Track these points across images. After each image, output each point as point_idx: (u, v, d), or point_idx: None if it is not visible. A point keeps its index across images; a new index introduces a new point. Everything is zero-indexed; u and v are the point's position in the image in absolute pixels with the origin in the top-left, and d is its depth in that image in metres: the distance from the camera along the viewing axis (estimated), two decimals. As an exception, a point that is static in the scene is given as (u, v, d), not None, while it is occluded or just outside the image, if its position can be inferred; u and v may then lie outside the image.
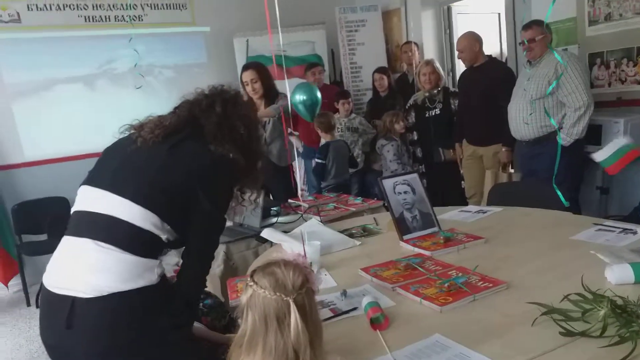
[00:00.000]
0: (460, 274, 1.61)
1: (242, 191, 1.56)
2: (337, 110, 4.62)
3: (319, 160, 3.95)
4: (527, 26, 3.25)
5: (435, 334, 1.28)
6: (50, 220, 4.44)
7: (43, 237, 4.50)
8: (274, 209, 2.94)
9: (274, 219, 2.82)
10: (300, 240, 1.82)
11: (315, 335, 1.02)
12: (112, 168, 1.37)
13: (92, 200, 1.33)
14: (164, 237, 1.30)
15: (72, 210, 1.37)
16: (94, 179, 1.37)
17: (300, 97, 4.05)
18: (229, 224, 2.92)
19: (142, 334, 1.27)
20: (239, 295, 1.51)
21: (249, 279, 1.05)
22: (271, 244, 2.46)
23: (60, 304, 1.24)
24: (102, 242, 1.26)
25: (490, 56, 4.03)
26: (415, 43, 4.86)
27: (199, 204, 1.32)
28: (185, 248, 1.39)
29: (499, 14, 5.60)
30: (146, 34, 4.87)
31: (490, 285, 1.51)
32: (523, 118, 3.24)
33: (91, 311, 1.23)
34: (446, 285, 1.51)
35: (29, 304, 4.16)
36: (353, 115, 4.78)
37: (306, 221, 2.71)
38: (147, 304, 1.27)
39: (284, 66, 5.11)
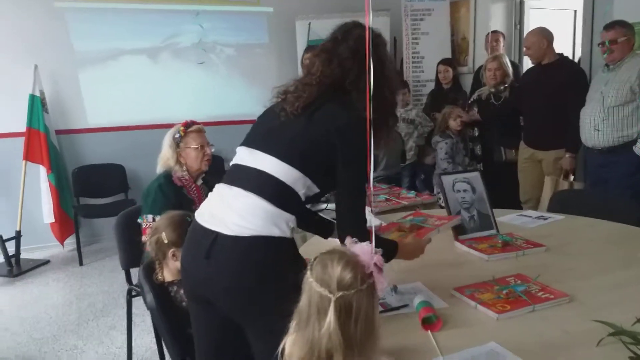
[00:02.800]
0: (519, 282, 1.53)
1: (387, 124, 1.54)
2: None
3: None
4: (609, 26, 3.04)
5: (490, 342, 1.22)
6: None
7: (99, 200, 4.69)
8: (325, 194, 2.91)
9: (323, 205, 2.80)
10: None
11: (362, 340, 0.96)
12: (263, 132, 1.49)
13: (245, 156, 1.47)
14: (301, 192, 1.39)
15: (230, 164, 1.52)
16: (248, 141, 1.51)
17: None
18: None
19: (265, 281, 1.35)
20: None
21: (310, 262, 1.03)
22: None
23: (206, 236, 1.39)
24: (249, 192, 1.39)
25: (561, 55, 3.81)
26: (502, 33, 4.65)
27: (341, 156, 1.37)
28: (337, 190, 1.43)
29: (575, 11, 5.33)
30: (210, 12, 4.93)
31: (552, 297, 1.43)
32: (595, 125, 3.06)
33: (230, 247, 1.35)
34: (504, 292, 1.44)
35: (81, 264, 4.33)
36: (410, 106, 4.67)
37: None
38: (276, 253, 1.37)
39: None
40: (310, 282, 0.99)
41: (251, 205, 1.37)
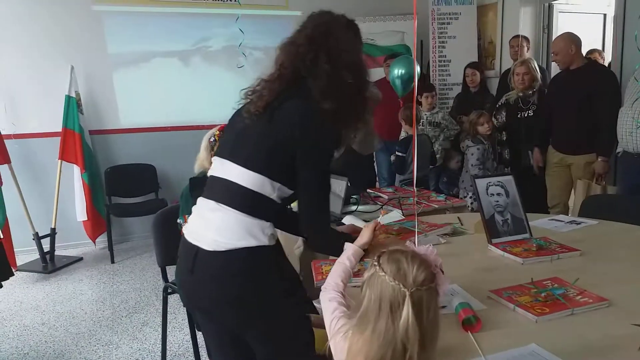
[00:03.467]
0: (556, 285, 1.55)
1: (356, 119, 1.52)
2: (419, 104, 4.54)
3: (399, 154, 3.91)
4: None
5: (531, 344, 1.24)
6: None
7: (130, 200, 4.80)
8: (354, 196, 2.95)
9: (354, 207, 2.84)
10: None
11: (429, 336, 0.98)
12: (231, 140, 1.49)
13: (217, 167, 1.48)
14: (274, 196, 1.39)
15: (208, 174, 1.53)
16: (220, 150, 1.52)
17: (399, 71, 4.04)
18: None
19: (250, 292, 1.37)
20: (324, 277, 1.53)
21: (374, 259, 1.05)
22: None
23: (190, 251, 1.42)
24: (222, 204, 1.40)
25: (589, 59, 3.80)
26: (525, 37, 4.64)
27: (305, 151, 1.37)
28: (299, 185, 1.41)
29: (605, 14, 5.28)
30: (240, 15, 5.00)
31: (591, 300, 1.44)
32: (631, 128, 3.03)
33: (209, 262, 1.38)
34: (542, 295, 1.46)
35: (112, 261, 4.44)
36: (436, 109, 4.68)
37: (387, 213, 2.71)
38: (256, 264, 1.37)
39: (371, 55, 5.11)
40: (382, 277, 0.99)
41: (225, 218, 1.38)
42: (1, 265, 2.67)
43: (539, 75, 3.95)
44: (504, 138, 4.15)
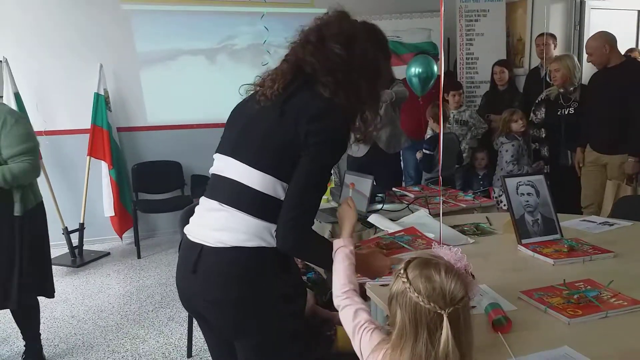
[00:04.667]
0: (589, 287, 1.51)
1: (363, 119, 1.42)
2: (446, 102, 4.49)
3: (427, 152, 3.87)
4: None
5: (564, 346, 1.21)
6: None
7: (156, 196, 4.86)
8: (379, 195, 2.93)
9: (379, 206, 2.82)
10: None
11: (466, 345, 0.96)
12: (235, 135, 1.40)
13: (219, 165, 1.41)
14: (283, 197, 1.31)
15: (210, 172, 1.46)
16: (222, 146, 1.43)
17: (415, 69, 4.00)
18: (334, 204, 2.97)
19: (251, 293, 1.32)
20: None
21: (401, 271, 1.00)
22: (376, 229, 2.47)
23: (192, 250, 1.36)
24: (226, 205, 1.33)
25: (629, 56, 3.70)
26: (552, 35, 4.55)
27: (310, 147, 1.28)
28: (293, 178, 1.32)
29: (639, 11, 5.14)
30: (266, 13, 5.02)
31: (625, 303, 1.40)
32: None
33: (214, 259, 1.32)
34: (575, 297, 1.42)
35: (139, 257, 4.51)
36: (463, 107, 4.63)
37: (412, 212, 2.69)
38: (262, 264, 1.31)
39: (397, 53, 5.07)
40: (413, 298, 0.95)
41: (230, 219, 1.31)
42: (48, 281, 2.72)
43: (577, 72, 3.86)
44: (543, 135, 4.06)
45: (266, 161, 1.30)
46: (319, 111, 1.30)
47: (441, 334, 0.93)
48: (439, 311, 0.93)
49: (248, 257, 1.30)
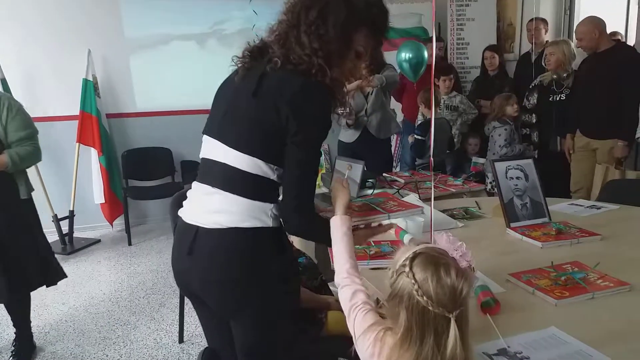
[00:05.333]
0: (576, 269, 1.53)
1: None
2: (436, 87, 4.48)
3: (418, 137, 3.87)
4: None
5: (551, 327, 1.23)
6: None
7: (146, 183, 4.84)
8: (370, 180, 2.93)
9: (370, 191, 2.82)
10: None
11: (466, 339, 0.94)
12: (220, 116, 1.39)
13: (208, 147, 1.41)
14: (274, 177, 1.33)
15: (200, 156, 1.45)
16: (209, 128, 1.42)
17: (405, 54, 3.99)
18: (325, 190, 2.97)
19: (248, 272, 1.33)
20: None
21: (407, 267, 0.96)
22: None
23: (187, 232, 1.37)
24: (219, 189, 1.34)
25: (618, 41, 3.70)
26: (543, 20, 4.55)
27: (295, 132, 1.28)
28: (286, 163, 1.33)
29: (629, -5, 5.13)
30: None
31: (612, 285, 1.42)
32: None
33: (210, 240, 1.33)
34: (562, 278, 1.44)
35: (130, 244, 4.49)
36: (454, 93, 4.62)
37: (403, 197, 2.69)
38: (258, 244, 1.33)
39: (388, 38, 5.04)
40: (421, 302, 0.92)
41: (225, 202, 1.32)
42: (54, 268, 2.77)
43: (571, 59, 3.86)
44: (534, 121, 4.08)
45: (252, 146, 1.31)
46: (295, 91, 1.27)
47: (447, 336, 0.92)
48: (446, 315, 0.92)
49: (244, 237, 1.31)
